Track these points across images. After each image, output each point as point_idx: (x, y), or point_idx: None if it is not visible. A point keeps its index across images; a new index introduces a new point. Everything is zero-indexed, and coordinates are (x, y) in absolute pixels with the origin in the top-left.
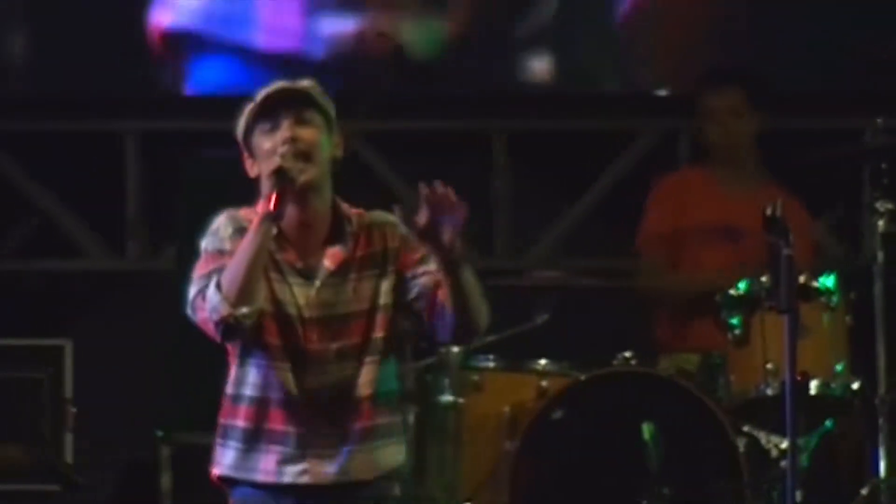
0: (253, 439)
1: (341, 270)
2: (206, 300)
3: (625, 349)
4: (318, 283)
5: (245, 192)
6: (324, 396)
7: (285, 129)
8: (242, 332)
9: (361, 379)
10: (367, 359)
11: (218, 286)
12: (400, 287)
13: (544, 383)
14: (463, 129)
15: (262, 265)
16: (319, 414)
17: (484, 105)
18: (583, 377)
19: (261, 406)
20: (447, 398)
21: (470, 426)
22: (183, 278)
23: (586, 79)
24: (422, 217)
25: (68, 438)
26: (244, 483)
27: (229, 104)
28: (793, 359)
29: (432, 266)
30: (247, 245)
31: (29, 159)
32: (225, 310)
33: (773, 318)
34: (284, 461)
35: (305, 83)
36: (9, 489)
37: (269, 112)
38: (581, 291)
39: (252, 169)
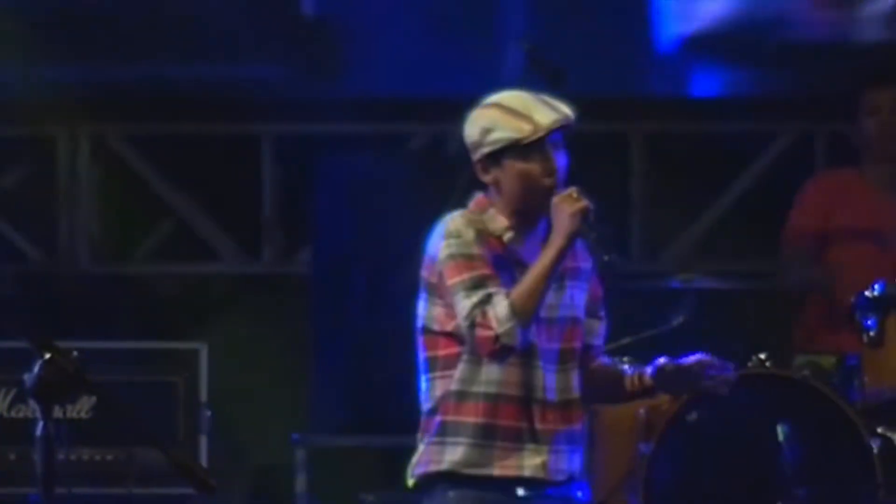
0: (488, 435)
1: (565, 273)
2: (493, 320)
3: (760, 351)
4: (558, 283)
5: (379, 195)
6: (555, 395)
7: (554, 161)
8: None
9: (574, 381)
10: (576, 363)
11: (513, 309)
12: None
13: None
14: (601, 132)
15: None
16: (553, 410)
17: (622, 107)
18: None
19: (496, 402)
20: None
21: (605, 428)
22: (317, 282)
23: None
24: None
25: (203, 442)
26: (475, 479)
27: (363, 107)
28: None
29: (601, 319)
30: (544, 269)
31: (164, 163)
32: (519, 335)
33: None
34: (523, 456)
35: (570, 111)
36: (144, 493)
37: (542, 138)
38: (717, 293)
39: (486, 175)
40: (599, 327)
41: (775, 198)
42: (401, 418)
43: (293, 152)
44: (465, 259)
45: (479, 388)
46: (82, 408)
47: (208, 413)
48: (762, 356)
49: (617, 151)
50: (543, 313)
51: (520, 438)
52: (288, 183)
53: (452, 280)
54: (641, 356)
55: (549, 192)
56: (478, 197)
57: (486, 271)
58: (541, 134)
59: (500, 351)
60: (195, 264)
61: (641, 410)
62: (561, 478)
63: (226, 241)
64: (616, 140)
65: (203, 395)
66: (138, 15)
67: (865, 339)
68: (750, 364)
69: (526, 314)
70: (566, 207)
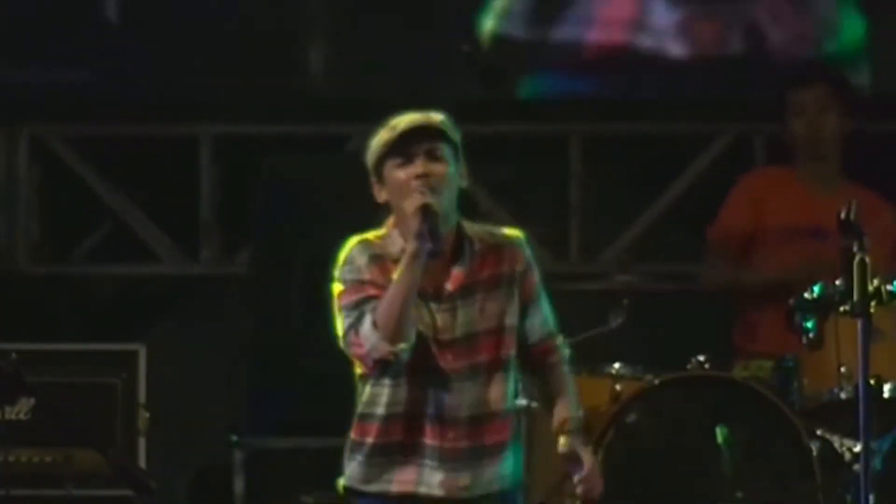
0: (384, 453)
1: (464, 291)
2: (362, 337)
3: (699, 353)
4: (444, 305)
5: (317, 195)
6: (459, 412)
7: (418, 166)
8: (399, 366)
9: (492, 395)
10: (497, 375)
11: (374, 325)
12: (521, 312)
13: (618, 387)
14: (539, 133)
15: (415, 301)
16: (455, 428)
17: (560, 109)
18: (657, 381)
19: (396, 422)
20: (520, 402)
21: (544, 429)
22: (256, 283)
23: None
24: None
25: (141, 443)
26: (372, 495)
27: (306, 108)
28: (866, 362)
29: (541, 308)
30: (401, 282)
31: (103, 163)
32: (384, 348)
33: (846, 322)
34: (422, 473)
35: (438, 117)
36: (81, 494)
37: (403, 146)
38: (656, 295)
39: (380, 194)
40: (545, 311)
41: (714, 199)
42: (339, 420)
43: (232, 153)
44: (353, 284)
45: (380, 410)
46: (21, 409)
47: (147, 414)
48: (701, 358)
49: (555, 153)
50: (444, 335)
51: (418, 455)
52: (226, 184)
53: (338, 305)
54: (580, 358)
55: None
56: (390, 218)
57: (371, 293)
58: (397, 133)
59: (376, 365)
60: (134, 265)
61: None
62: (465, 495)
63: (164, 241)
64: (554, 142)
65: (141, 397)
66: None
67: (805, 340)
68: (689, 366)
69: (387, 328)
70: (408, 208)
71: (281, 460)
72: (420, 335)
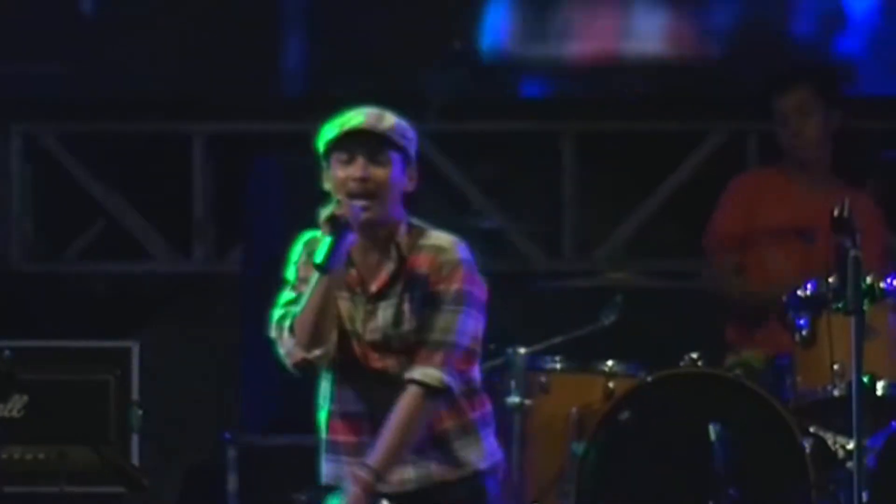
0: (337, 451)
1: (386, 293)
2: (282, 340)
3: (692, 350)
4: (368, 305)
5: (311, 196)
6: (386, 409)
7: (358, 168)
8: (317, 369)
9: None
10: None
11: (291, 330)
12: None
13: (611, 384)
14: (531, 131)
15: (329, 311)
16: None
17: (552, 106)
18: (650, 378)
19: (340, 419)
20: (514, 399)
21: (537, 427)
22: (248, 280)
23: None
24: None
25: (134, 440)
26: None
27: (298, 106)
28: (859, 360)
29: (441, 310)
30: (312, 292)
31: (95, 161)
32: (299, 354)
33: (840, 319)
34: None
35: (389, 121)
36: (75, 491)
37: (347, 145)
38: (648, 292)
39: (326, 182)
40: (435, 320)
41: (707, 196)
42: None
43: (225, 151)
44: (291, 281)
45: (327, 406)
46: (14, 406)
47: (140, 412)
48: (694, 355)
49: (548, 150)
50: (370, 335)
51: (363, 453)
52: (220, 182)
53: (279, 300)
54: (573, 355)
55: (354, 198)
56: None
57: (303, 291)
58: (338, 132)
59: (295, 367)
60: (127, 263)
61: (574, 410)
62: (412, 488)
63: (157, 239)
64: (547, 139)
65: (134, 394)
66: None
67: (797, 338)
68: (682, 363)
69: (301, 335)
70: (320, 216)
71: (274, 458)
72: (351, 333)
